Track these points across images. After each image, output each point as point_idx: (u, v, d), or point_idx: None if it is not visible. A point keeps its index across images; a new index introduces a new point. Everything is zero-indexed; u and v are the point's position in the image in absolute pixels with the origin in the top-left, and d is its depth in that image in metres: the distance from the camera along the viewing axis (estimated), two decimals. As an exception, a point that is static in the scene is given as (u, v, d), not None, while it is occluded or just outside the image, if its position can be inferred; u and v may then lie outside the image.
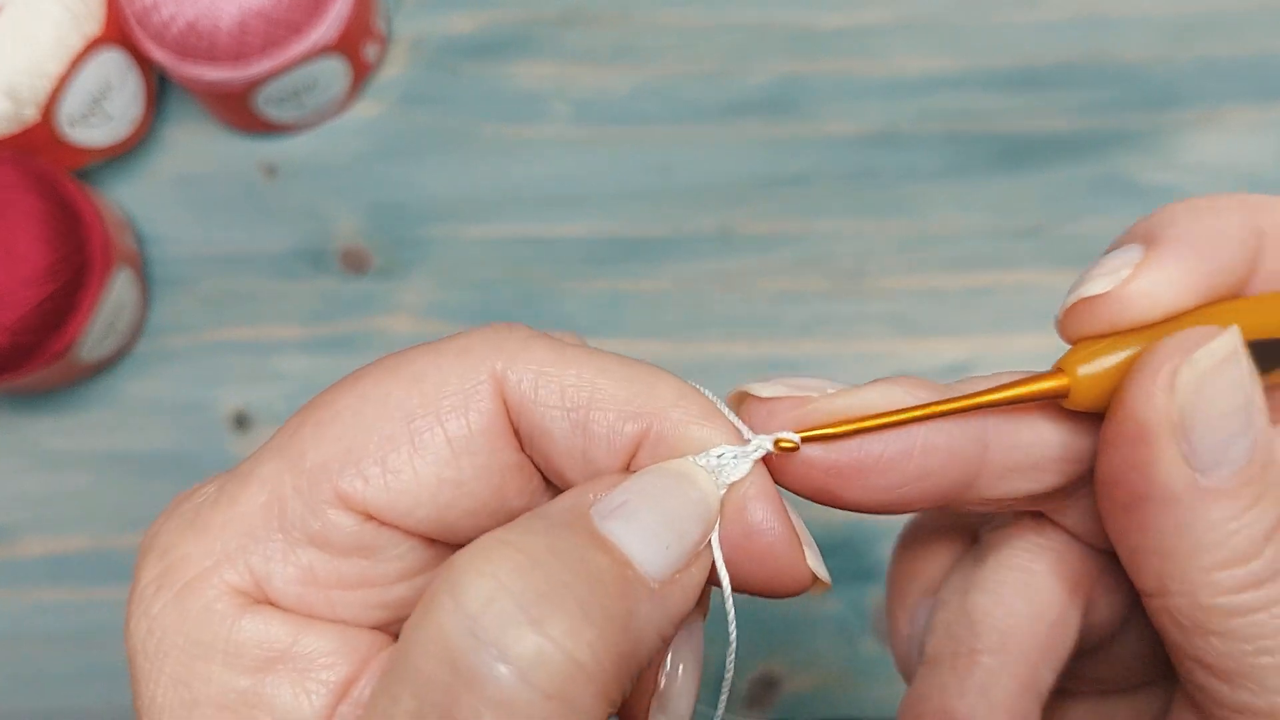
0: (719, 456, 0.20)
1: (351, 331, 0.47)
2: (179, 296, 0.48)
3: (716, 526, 0.20)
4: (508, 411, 0.20)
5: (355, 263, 0.48)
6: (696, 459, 0.20)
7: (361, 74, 0.49)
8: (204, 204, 0.49)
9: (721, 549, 0.20)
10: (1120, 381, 0.20)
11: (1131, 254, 0.20)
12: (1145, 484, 0.19)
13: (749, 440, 0.20)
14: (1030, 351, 0.45)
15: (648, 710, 0.21)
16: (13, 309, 0.41)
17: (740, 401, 0.21)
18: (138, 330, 0.48)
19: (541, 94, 0.50)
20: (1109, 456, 0.20)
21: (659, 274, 0.47)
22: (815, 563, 0.21)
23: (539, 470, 0.21)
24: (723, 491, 0.20)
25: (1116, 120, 0.48)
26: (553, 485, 0.22)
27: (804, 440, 0.21)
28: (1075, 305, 0.20)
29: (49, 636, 0.45)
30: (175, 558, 0.20)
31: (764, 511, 0.20)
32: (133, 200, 0.49)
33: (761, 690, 0.43)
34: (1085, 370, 0.20)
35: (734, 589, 0.20)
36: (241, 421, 0.47)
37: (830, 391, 0.21)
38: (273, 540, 0.20)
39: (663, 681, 0.21)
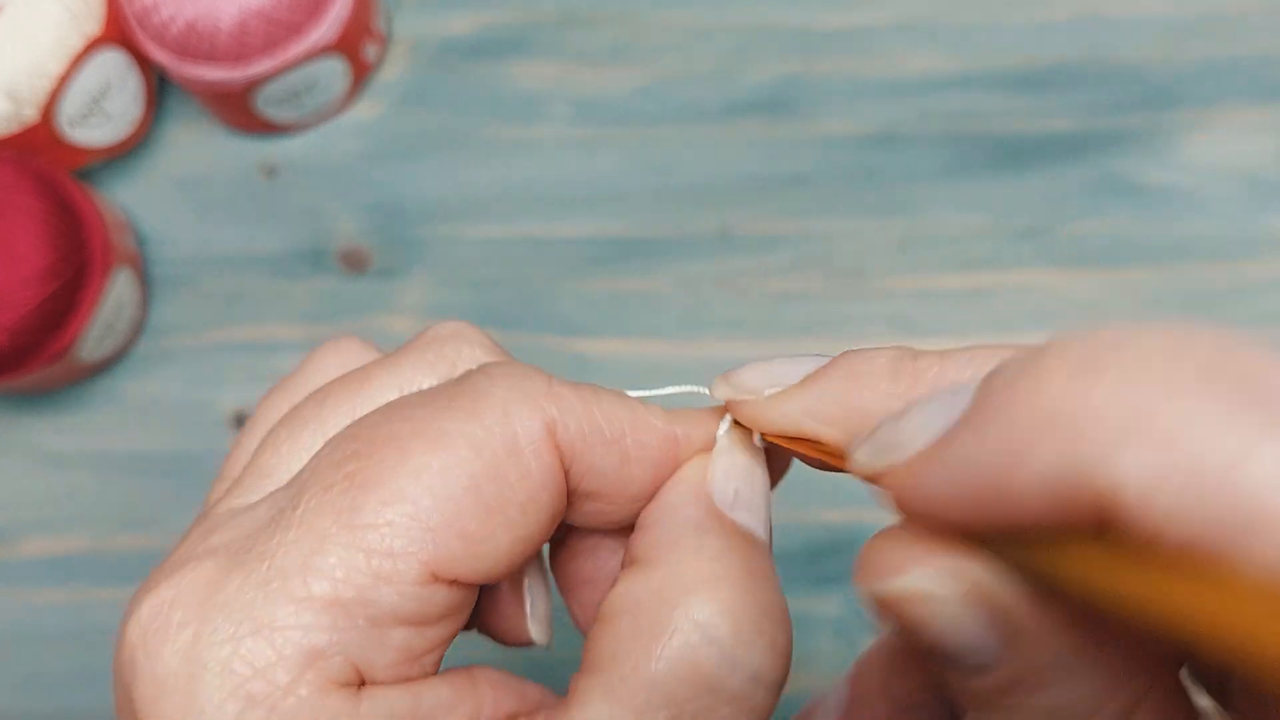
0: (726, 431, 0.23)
1: (351, 332, 0.47)
2: (179, 296, 0.48)
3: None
4: (560, 460, 0.21)
5: (355, 263, 0.48)
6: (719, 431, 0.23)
7: (361, 74, 0.49)
8: (204, 204, 0.49)
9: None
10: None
11: (933, 423, 0.17)
12: None
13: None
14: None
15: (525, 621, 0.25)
16: (13, 309, 0.41)
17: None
18: (138, 330, 0.48)
19: (541, 94, 0.50)
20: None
21: (659, 274, 0.47)
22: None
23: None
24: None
25: (1116, 120, 0.48)
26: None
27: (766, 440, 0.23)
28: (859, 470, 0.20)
29: (48, 637, 0.45)
30: (251, 671, 0.18)
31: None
32: (133, 200, 0.49)
33: (761, 690, 0.43)
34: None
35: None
36: (241, 421, 0.47)
37: (764, 397, 0.22)
38: (361, 630, 0.19)
39: (527, 598, 0.24)
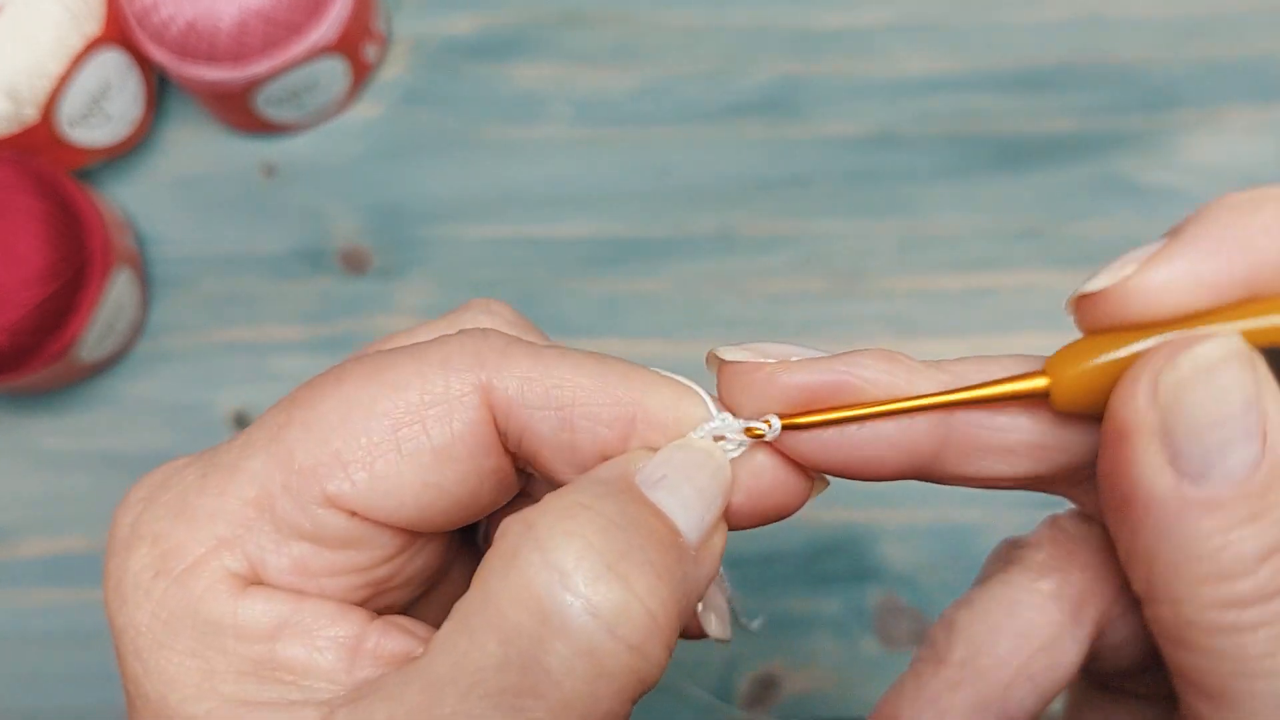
0: (712, 429, 0.22)
1: (351, 332, 0.47)
2: (179, 296, 0.48)
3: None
4: (494, 418, 0.21)
5: (355, 263, 0.48)
6: (697, 433, 0.22)
7: (361, 74, 0.49)
8: (204, 204, 0.49)
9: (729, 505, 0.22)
10: (1106, 383, 0.20)
11: (1150, 247, 0.20)
12: (1130, 487, 0.19)
13: (735, 420, 0.22)
14: (1030, 352, 0.45)
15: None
16: (12, 309, 0.41)
17: (714, 363, 0.23)
18: (137, 330, 0.48)
19: (541, 94, 0.50)
20: (1101, 456, 0.20)
21: (659, 274, 0.47)
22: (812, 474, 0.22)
23: (519, 469, 0.23)
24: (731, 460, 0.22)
25: (1116, 121, 0.48)
26: (532, 484, 0.24)
27: (785, 428, 0.22)
28: (1078, 300, 0.20)
29: (47, 637, 0.45)
30: (169, 545, 0.21)
31: (763, 459, 0.22)
32: (133, 200, 0.49)
33: (761, 690, 0.43)
34: (1067, 372, 0.20)
35: (748, 526, 0.23)
36: (241, 422, 0.47)
37: (792, 360, 0.21)
38: (265, 531, 0.21)
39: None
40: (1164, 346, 0.19)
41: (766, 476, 0.22)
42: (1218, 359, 0.19)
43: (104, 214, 0.45)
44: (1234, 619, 0.18)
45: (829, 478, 0.23)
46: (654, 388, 0.22)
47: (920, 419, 0.21)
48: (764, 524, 0.23)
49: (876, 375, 0.21)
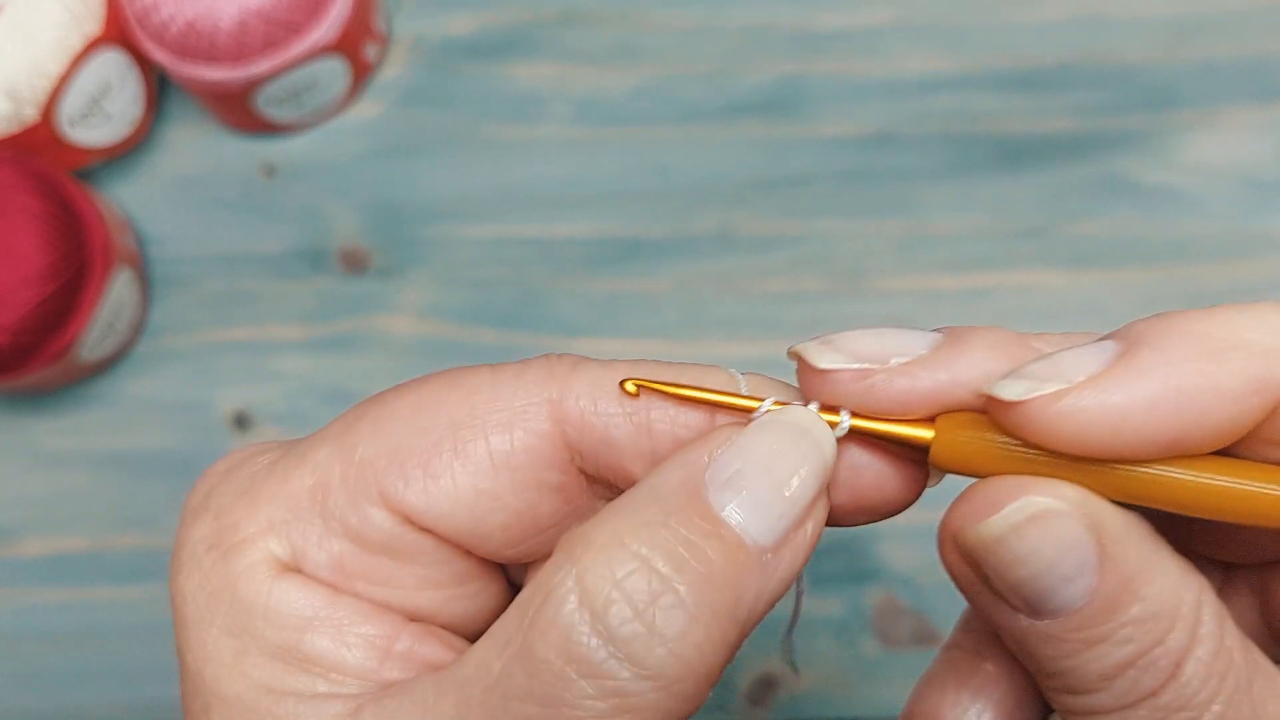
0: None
1: (351, 331, 0.47)
2: (179, 296, 0.48)
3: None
4: (563, 434, 0.21)
5: (355, 263, 0.48)
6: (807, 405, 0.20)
7: (361, 74, 0.49)
8: (204, 204, 0.49)
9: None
10: (981, 465, 0.19)
11: (1086, 363, 0.18)
12: (977, 612, 0.20)
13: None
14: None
15: None
16: (13, 309, 0.41)
17: (797, 361, 0.21)
18: (138, 330, 0.48)
19: (541, 94, 0.50)
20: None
21: (659, 274, 0.47)
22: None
23: (599, 484, 0.22)
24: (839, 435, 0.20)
25: (1116, 120, 0.48)
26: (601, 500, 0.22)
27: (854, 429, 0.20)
28: (987, 400, 0.19)
29: (48, 636, 0.45)
30: (228, 521, 0.21)
31: (860, 453, 0.21)
32: (133, 200, 0.49)
33: (761, 690, 0.43)
34: (944, 436, 0.20)
35: (856, 519, 0.22)
36: (241, 422, 0.47)
37: (894, 365, 0.20)
38: (313, 522, 0.21)
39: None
40: (964, 503, 0.19)
41: (869, 469, 0.21)
42: (1011, 526, 0.19)
43: (104, 214, 0.45)
44: None
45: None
46: (733, 382, 0.21)
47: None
48: (868, 518, 0.22)
49: (982, 382, 0.20)
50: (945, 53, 0.49)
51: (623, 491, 0.21)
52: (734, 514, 0.19)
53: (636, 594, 0.18)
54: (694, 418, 0.21)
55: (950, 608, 0.45)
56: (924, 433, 0.20)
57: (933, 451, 0.20)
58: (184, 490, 0.48)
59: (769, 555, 0.19)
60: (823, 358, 0.20)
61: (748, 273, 0.47)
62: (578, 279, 0.47)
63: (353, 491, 0.21)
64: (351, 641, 0.21)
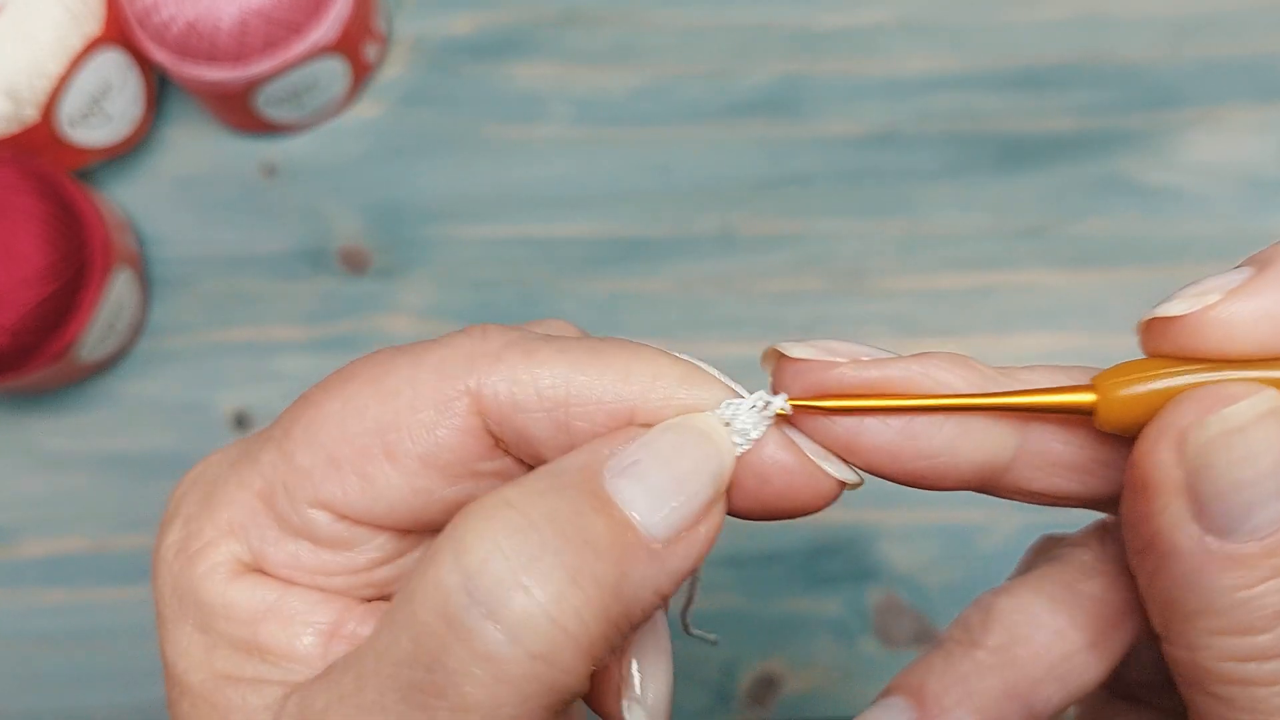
0: (732, 409, 0.21)
1: (351, 331, 0.47)
2: (179, 296, 0.48)
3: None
4: (486, 422, 0.21)
5: (355, 263, 0.48)
6: (714, 412, 0.20)
7: (361, 74, 0.49)
8: (204, 204, 0.49)
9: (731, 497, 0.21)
10: (1153, 411, 0.19)
11: (1234, 277, 0.19)
12: (1152, 535, 0.19)
13: (754, 398, 0.21)
14: (1031, 351, 0.45)
15: (619, 703, 0.22)
16: (13, 309, 0.41)
17: (773, 359, 0.22)
18: (138, 330, 0.48)
19: (541, 94, 0.50)
20: (1124, 500, 0.20)
21: (659, 274, 0.47)
22: (838, 470, 0.21)
23: (530, 468, 0.22)
24: (741, 450, 0.21)
25: (1117, 120, 0.48)
26: None
27: (824, 410, 0.21)
28: (1150, 322, 0.19)
29: (48, 637, 0.45)
30: (194, 527, 0.22)
31: (773, 449, 0.21)
32: (133, 200, 0.49)
33: (761, 690, 0.43)
34: (1115, 394, 0.19)
35: (765, 518, 0.21)
36: (241, 422, 0.47)
37: (864, 359, 0.21)
38: (268, 525, 0.22)
39: (631, 672, 0.22)
40: (1192, 401, 0.19)
41: (784, 468, 0.21)
42: (1249, 419, 0.18)
43: (104, 214, 0.45)
44: (1251, 672, 0.18)
45: (862, 476, 0.22)
46: (659, 377, 0.21)
47: (998, 431, 0.21)
48: (778, 518, 0.22)
49: (950, 379, 0.21)
50: (946, 52, 0.49)
51: None
52: (627, 499, 0.19)
53: (514, 554, 0.18)
54: (608, 412, 0.20)
55: (950, 607, 0.45)
56: (1084, 397, 0.20)
57: (1100, 411, 0.20)
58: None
59: (659, 546, 0.19)
60: (796, 350, 0.21)
61: (748, 272, 0.47)
62: (578, 279, 0.47)
63: (294, 497, 0.21)
64: (299, 630, 0.21)
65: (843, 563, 0.44)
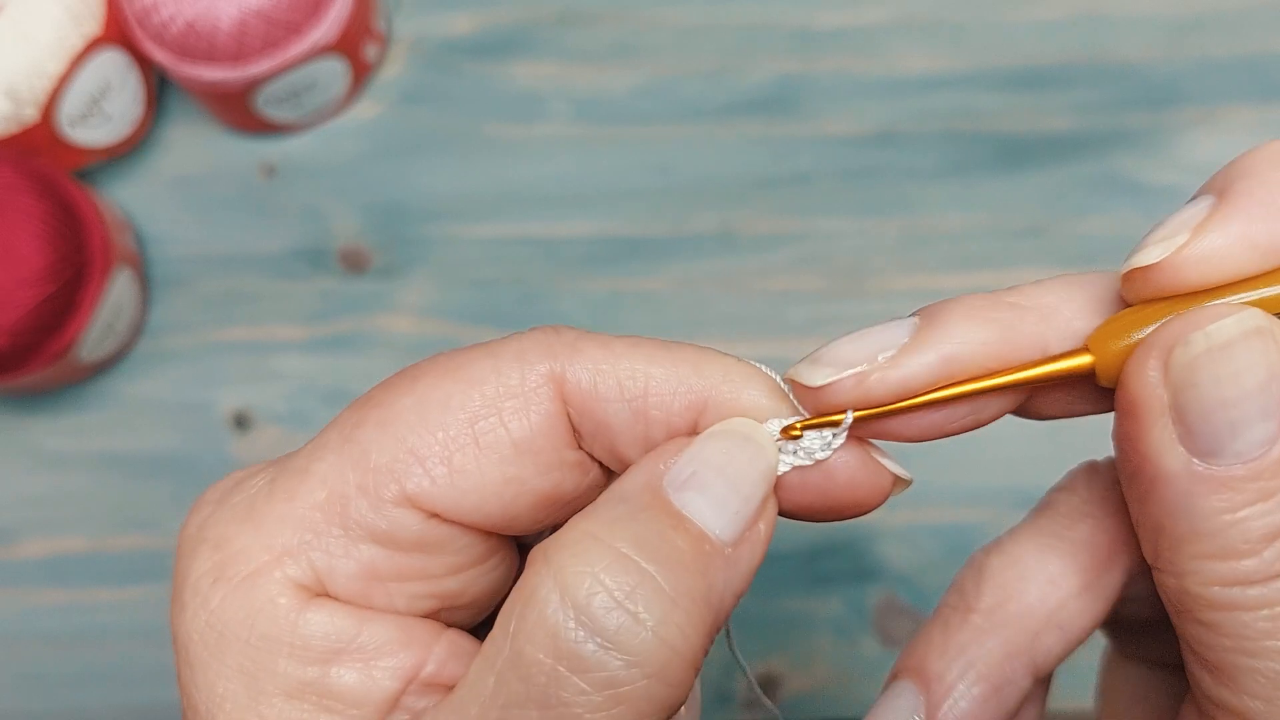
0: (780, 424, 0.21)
1: (351, 331, 0.47)
2: (179, 296, 0.48)
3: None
4: (567, 411, 0.21)
5: (355, 262, 0.48)
6: (767, 427, 0.21)
7: (361, 74, 0.49)
8: (204, 204, 0.49)
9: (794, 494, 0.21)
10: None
11: (1197, 211, 0.19)
12: (1140, 459, 0.19)
13: (805, 414, 0.21)
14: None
15: None
16: (12, 309, 0.41)
17: (792, 385, 0.22)
18: (138, 330, 0.48)
19: (541, 94, 0.50)
20: (1115, 424, 0.20)
21: (659, 274, 0.47)
22: (897, 468, 0.22)
23: (597, 463, 0.22)
24: (806, 463, 0.21)
25: (1116, 120, 0.48)
26: (610, 475, 0.23)
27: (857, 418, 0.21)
28: (1129, 274, 0.20)
29: (48, 637, 0.45)
30: (232, 551, 0.20)
31: (843, 453, 0.21)
32: (133, 200, 0.49)
33: (761, 690, 0.43)
34: (1109, 350, 0.20)
35: (820, 519, 0.22)
36: (241, 422, 0.47)
37: (882, 361, 0.20)
38: (333, 536, 0.20)
39: None
40: (1178, 321, 0.19)
41: (840, 469, 0.21)
42: (1234, 336, 0.18)
43: (104, 214, 0.45)
44: (1236, 596, 0.18)
45: (912, 475, 0.22)
46: (727, 374, 0.21)
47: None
48: (838, 519, 0.22)
49: (972, 350, 0.20)
50: (946, 51, 0.49)
51: (614, 475, 0.22)
52: (694, 510, 0.20)
53: (616, 585, 0.19)
54: (684, 403, 0.21)
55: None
56: (1080, 360, 0.20)
57: (1100, 372, 0.20)
58: (185, 491, 0.48)
59: (730, 550, 0.20)
60: (815, 376, 0.21)
61: (748, 272, 0.47)
62: (578, 278, 0.47)
63: (374, 497, 0.20)
64: (377, 674, 0.20)
65: (843, 563, 0.44)
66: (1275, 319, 0.18)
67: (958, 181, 0.48)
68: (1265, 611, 0.18)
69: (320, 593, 0.21)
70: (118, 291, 0.45)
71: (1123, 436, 0.19)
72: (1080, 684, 0.37)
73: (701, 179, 0.48)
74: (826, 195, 0.48)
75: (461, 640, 0.22)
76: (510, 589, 0.22)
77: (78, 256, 0.43)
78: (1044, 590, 0.23)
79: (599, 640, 0.18)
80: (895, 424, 0.21)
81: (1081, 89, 0.49)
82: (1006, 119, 0.48)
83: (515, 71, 0.50)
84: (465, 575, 0.22)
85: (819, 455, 0.21)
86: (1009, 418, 0.22)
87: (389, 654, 0.21)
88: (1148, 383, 0.19)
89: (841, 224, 0.48)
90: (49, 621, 0.45)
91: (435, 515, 0.21)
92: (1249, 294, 0.19)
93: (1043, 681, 0.24)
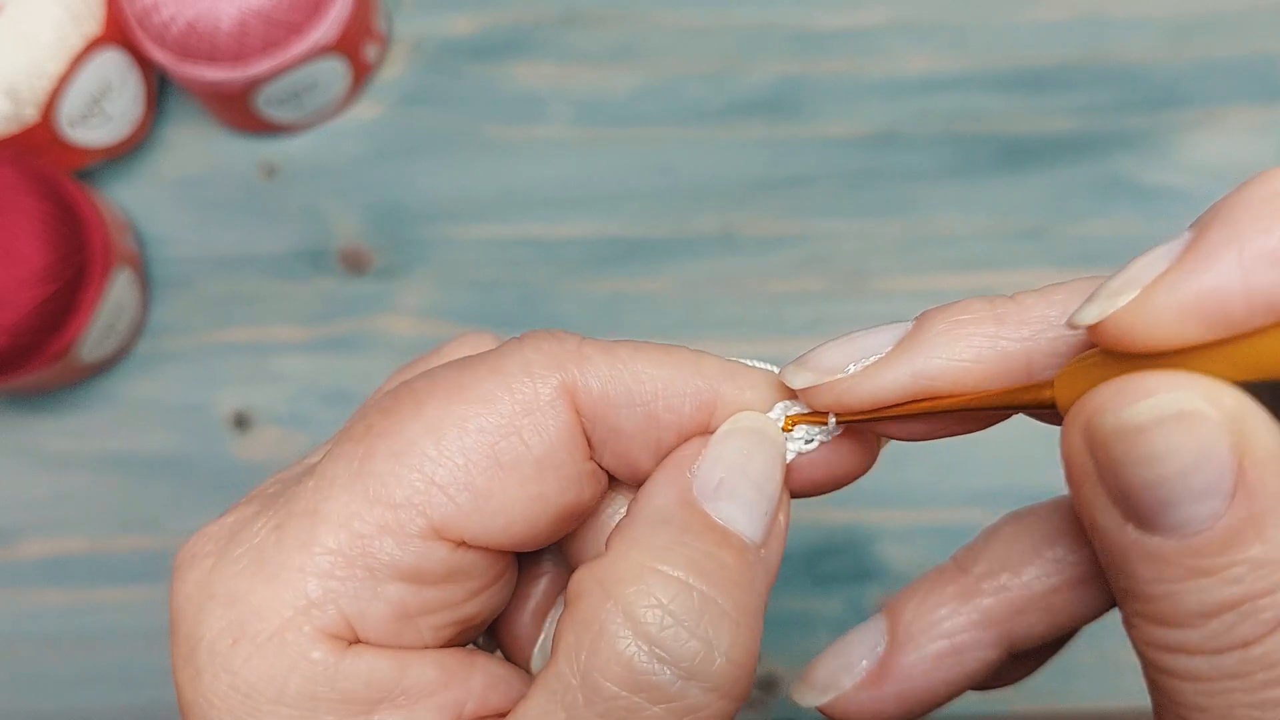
0: (784, 409, 0.22)
1: (352, 332, 0.47)
2: (179, 297, 0.48)
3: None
4: (580, 420, 0.21)
5: (355, 263, 0.48)
6: (771, 414, 0.22)
7: (361, 74, 0.49)
8: (204, 204, 0.49)
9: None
10: None
11: (1157, 258, 0.17)
12: (1078, 508, 0.18)
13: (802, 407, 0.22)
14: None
15: (530, 654, 0.23)
16: (12, 309, 0.41)
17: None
18: (138, 331, 0.48)
19: (541, 94, 0.50)
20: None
21: (659, 274, 0.47)
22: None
23: (605, 470, 0.22)
24: (808, 448, 0.22)
25: (1117, 120, 0.48)
26: (615, 483, 0.23)
27: (840, 421, 0.22)
28: (1069, 325, 0.18)
29: (48, 638, 0.45)
30: (250, 607, 0.19)
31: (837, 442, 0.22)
32: (133, 200, 0.49)
33: (761, 690, 0.43)
34: (1071, 387, 0.19)
35: (820, 493, 0.23)
36: (241, 422, 0.47)
37: (854, 371, 0.21)
38: (359, 580, 0.20)
39: (546, 627, 0.23)
40: (1106, 391, 0.17)
41: (829, 449, 0.22)
42: (1148, 421, 0.17)
43: (104, 214, 0.45)
44: (1172, 664, 0.18)
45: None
46: (727, 371, 0.22)
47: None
48: (834, 489, 0.23)
49: (944, 368, 0.20)
50: (947, 53, 0.49)
51: (620, 481, 0.22)
52: (729, 518, 0.20)
53: (683, 613, 0.19)
54: (694, 403, 0.21)
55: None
56: (1044, 395, 0.20)
57: (1063, 409, 0.19)
58: (184, 491, 0.48)
59: (763, 550, 0.21)
60: (797, 379, 0.21)
61: (749, 273, 0.47)
62: (579, 279, 0.47)
63: (400, 534, 0.20)
64: (423, 715, 0.20)
65: (843, 563, 0.44)
66: (1228, 389, 0.17)
67: (959, 183, 0.48)
68: (1201, 686, 0.17)
69: (353, 640, 0.20)
70: (118, 292, 0.45)
71: (1069, 488, 0.19)
72: (1081, 684, 0.37)
73: (702, 180, 0.48)
74: (827, 197, 0.48)
75: (491, 665, 0.22)
76: (511, 602, 0.23)
77: (78, 256, 0.43)
78: (1043, 569, 0.23)
79: (677, 670, 0.19)
80: (880, 425, 0.21)
81: (1082, 90, 0.49)
82: (1007, 120, 0.48)
83: (516, 72, 0.50)
84: (482, 597, 0.22)
85: (820, 438, 0.22)
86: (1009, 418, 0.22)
87: (430, 693, 0.20)
88: (1076, 449, 0.18)
89: (842, 225, 0.48)
90: (49, 622, 0.45)
91: (463, 544, 0.20)
92: (1198, 373, 0.17)
93: (1022, 656, 0.24)
